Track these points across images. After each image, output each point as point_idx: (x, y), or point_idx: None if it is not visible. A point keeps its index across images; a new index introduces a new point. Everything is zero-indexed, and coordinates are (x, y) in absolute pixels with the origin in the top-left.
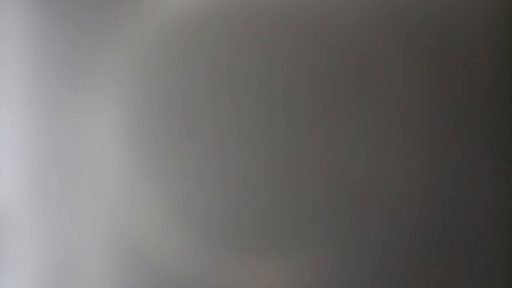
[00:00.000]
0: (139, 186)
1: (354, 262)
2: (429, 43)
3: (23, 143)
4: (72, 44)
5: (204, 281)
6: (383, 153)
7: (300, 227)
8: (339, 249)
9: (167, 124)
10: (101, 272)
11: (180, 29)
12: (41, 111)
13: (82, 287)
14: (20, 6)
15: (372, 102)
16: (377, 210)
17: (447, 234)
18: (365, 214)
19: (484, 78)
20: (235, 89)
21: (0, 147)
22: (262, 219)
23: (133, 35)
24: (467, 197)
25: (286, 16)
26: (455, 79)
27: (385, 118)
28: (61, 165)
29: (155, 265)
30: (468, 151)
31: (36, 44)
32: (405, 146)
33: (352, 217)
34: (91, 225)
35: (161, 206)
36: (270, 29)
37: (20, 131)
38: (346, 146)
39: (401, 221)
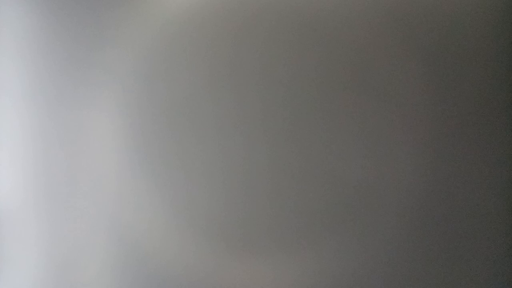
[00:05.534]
0: (142, 186)
1: (357, 262)
2: (430, 43)
3: (24, 142)
4: (74, 42)
5: (207, 281)
6: (384, 152)
7: (304, 227)
8: (342, 249)
9: (170, 124)
10: (102, 273)
11: (183, 27)
12: (42, 111)
13: (83, 287)
14: (22, 2)
15: (373, 102)
16: (378, 210)
17: (448, 233)
18: (367, 214)
19: (484, 77)
20: (237, 88)
21: (1, 146)
22: (265, 219)
23: (135, 32)
24: (468, 197)
25: (287, 16)
26: (455, 79)
27: (387, 118)
28: (62, 164)
29: (157, 265)
30: (469, 150)
31: (37, 42)
32: (406, 145)
33: (354, 216)
34: (92, 225)
35: (164, 206)
36: (271, 28)
37: (21, 130)
38: (348, 146)
39: (402, 220)
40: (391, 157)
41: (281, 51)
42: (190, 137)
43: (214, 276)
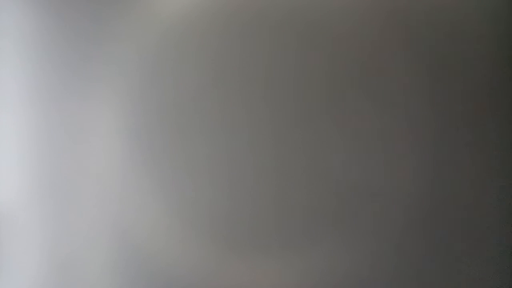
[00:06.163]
0: (144, 185)
1: (363, 261)
2: (431, 43)
3: (24, 141)
4: (79, 37)
5: (211, 281)
6: (388, 152)
7: (309, 226)
8: (347, 248)
9: (174, 122)
10: (104, 273)
11: (189, 23)
12: (43, 109)
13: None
14: (21, 5)
15: (374, 102)
16: (383, 209)
17: (449, 234)
18: (373, 213)
19: (485, 77)
20: (243, 86)
21: (1, 145)
22: (270, 219)
23: (141, 28)
24: (469, 197)
25: (294, 15)
26: (456, 79)
27: (387, 118)
28: (64, 163)
29: (160, 266)
30: (470, 150)
31: (42, 37)
32: (406, 146)
33: (360, 216)
34: (94, 225)
35: (167, 205)
36: (274, 28)
37: (22, 129)
38: (353, 145)
39: (407, 219)
40: (395, 157)
41: (287, 51)
42: (194, 136)
43: (218, 276)
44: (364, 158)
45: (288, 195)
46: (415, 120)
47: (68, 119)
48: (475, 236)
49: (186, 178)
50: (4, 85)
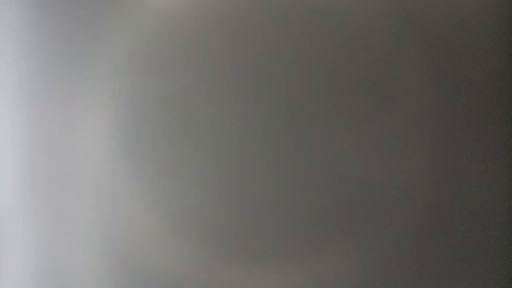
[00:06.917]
0: (135, 189)
1: (358, 267)
2: (434, 44)
3: (16, 144)
4: (70, 39)
5: (201, 287)
6: (387, 154)
7: (302, 231)
8: (341, 255)
9: (163, 125)
10: (95, 277)
11: (178, 26)
12: (35, 111)
13: None
14: (16, 1)
15: (376, 103)
16: (380, 213)
17: (451, 234)
18: (369, 218)
19: (487, 78)
20: (234, 88)
21: None
22: (261, 224)
23: (130, 31)
24: (471, 197)
25: (290, 15)
26: (459, 80)
27: (389, 119)
28: (55, 167)
29: (150, 270)
30: (472, 151)
31: (30, 41)
32: (409, 146)
33: (355, 221)
34: (85, 229)
35: (157, 210)
36: (272, 27)
37: (13, 131)
38: (350, 148)
39: (405, 222)
40: (395, 159)
41: (280, 48)
42: (185, 139)
43: (209, 282)
44: (368, 159)
45: (283, 199)
46: (419, 121)
47: (58, 122)
48: (480, 237)
49: (177, 182)
50: None
